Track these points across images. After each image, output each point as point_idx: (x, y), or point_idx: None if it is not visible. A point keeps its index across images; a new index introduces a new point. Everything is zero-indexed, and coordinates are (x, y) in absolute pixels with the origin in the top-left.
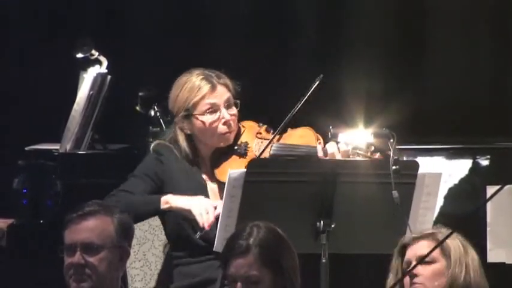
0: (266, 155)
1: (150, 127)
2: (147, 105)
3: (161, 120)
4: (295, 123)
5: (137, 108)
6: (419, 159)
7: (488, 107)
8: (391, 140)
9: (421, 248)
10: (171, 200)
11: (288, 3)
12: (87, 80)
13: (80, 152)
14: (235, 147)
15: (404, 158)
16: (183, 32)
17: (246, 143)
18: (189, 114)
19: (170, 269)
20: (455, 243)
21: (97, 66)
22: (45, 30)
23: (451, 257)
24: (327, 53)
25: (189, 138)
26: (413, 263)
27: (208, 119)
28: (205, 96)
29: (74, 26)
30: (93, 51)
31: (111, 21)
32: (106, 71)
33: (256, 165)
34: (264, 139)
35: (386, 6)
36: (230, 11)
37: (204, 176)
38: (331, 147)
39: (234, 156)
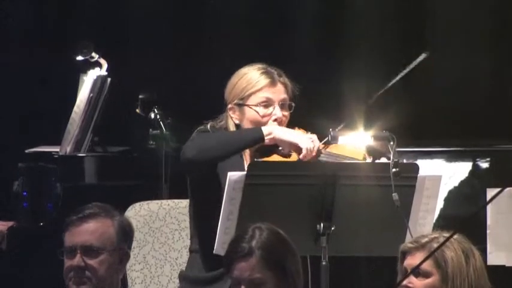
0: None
1: (150, 130)
2: (147, 108)
3: (161, 122)
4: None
5: (137, 110)
6: (420, 162)
7: (489, 109)
8: (391, 143)
9: (417, 259)
10: (274, 131)
11: (288, 3)
12: (87, 82)
13: (80, 155)
14: (279, 147)
15: (405, 161)
16: (182, 34)
17: None
18: (242, 104)
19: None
20: (453, 254)
21: (97, 69)
22: (45, 33)
23: (448, 269)
24: (327, 53)
25: (238, 128)
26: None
27: (260, 111)
28: (263, 89)
29: (74, 28)
30: (93, 54)
31: (111, 23)
32: (106, 73)
33: (256, 168)
34: None
35: (387, 6)
36: (230, 12)
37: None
38: None
39: (275, 155)
